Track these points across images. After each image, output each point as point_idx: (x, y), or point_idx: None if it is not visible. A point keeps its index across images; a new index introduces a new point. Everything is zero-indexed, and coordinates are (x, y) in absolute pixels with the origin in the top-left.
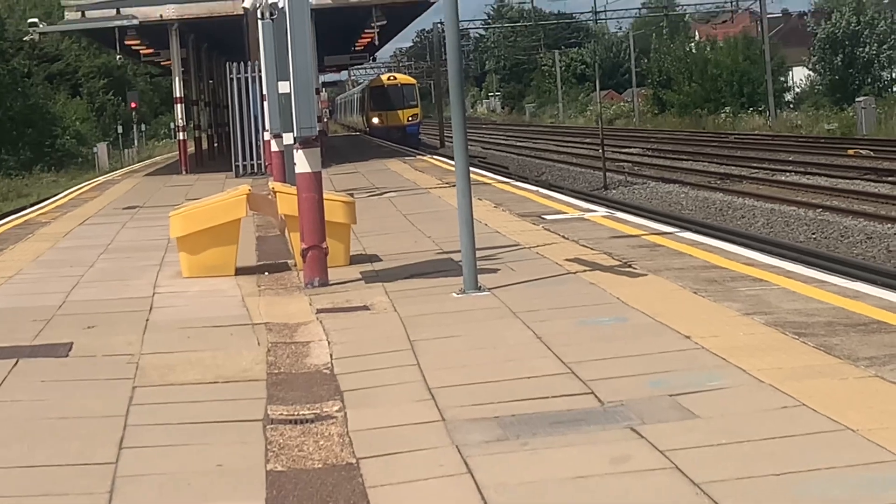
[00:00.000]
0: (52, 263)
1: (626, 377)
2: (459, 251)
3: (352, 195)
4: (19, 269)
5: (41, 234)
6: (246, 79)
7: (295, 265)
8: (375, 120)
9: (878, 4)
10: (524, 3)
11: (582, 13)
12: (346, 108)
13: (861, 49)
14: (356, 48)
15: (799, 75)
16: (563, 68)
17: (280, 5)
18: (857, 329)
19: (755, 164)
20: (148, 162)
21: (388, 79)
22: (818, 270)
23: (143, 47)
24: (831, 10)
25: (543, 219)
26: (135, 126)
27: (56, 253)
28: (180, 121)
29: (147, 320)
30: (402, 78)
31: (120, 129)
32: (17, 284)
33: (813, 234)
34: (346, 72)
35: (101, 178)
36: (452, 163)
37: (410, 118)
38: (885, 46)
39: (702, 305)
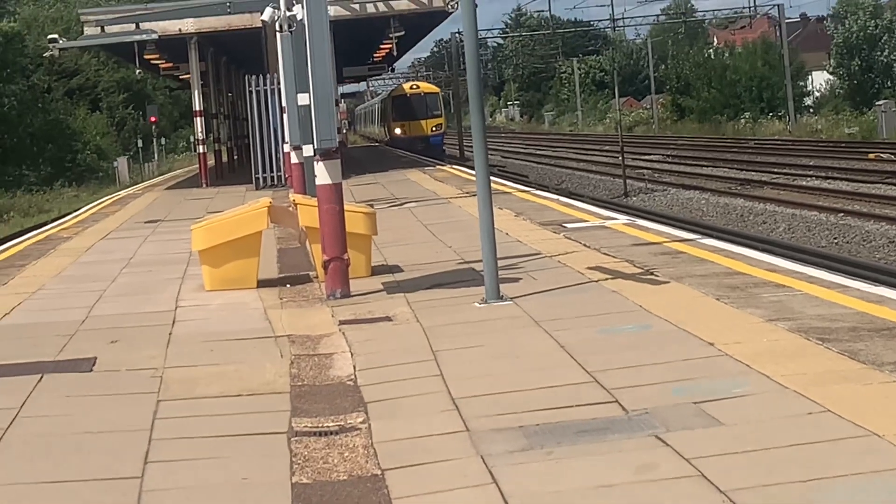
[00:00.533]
0: (75, 278)
1: (649, 385)
2: (481, 261)
3: (372, 206)
4: (42, 284)
5: (63, 250)
6: (265, 91)
7: (316, 277)
8: (398, 130)
9: None
10: (542, 11)
11: (600, 21)
12: (365, 119)
13: (879, 53)
14: (374, 59)
15: (818, 80)
16: (582, 76)
17: (299, 18)
18: (881, 334)
19: (776, 170)
20: (168, 175)
21: (411, 87)
22: (841, 275)
23: (163, 61)
24: (848, 14)
25: (564, 227)
26: (154, 140)
27: (78, 268)
28: (200, 134)
29: (170, 334)
30: (425, 86)
31: (140, 143)
32: (40, 300)
33: (835, 238)
34: (364, 83)
35: (122, 193)
36: (472, 172)
37: (434, 128)
38: None
39: (725, 312)
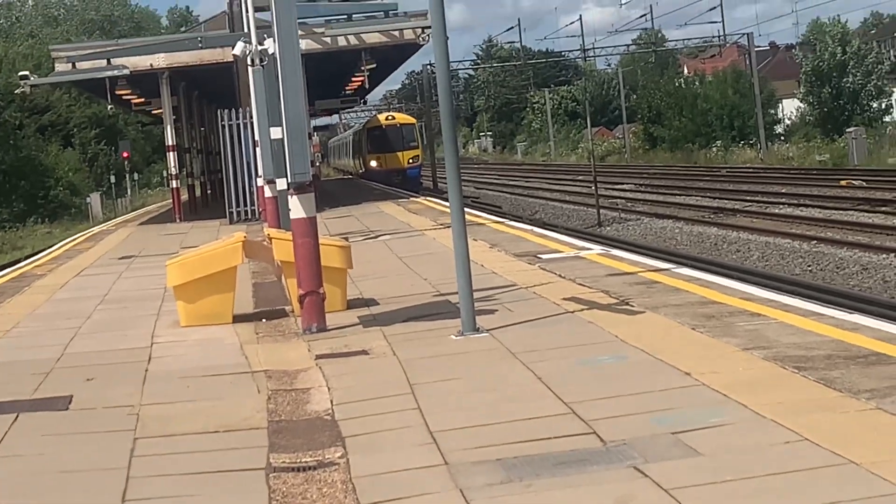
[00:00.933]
0: (49, 316)
1: (627, 416)
2: (456, 293)
3: (347, 239)
4: (16, 322)
5: (37, 287)
6: (238, 125)
7: (292, 311)
8: (374, 163)
9: (864, 35)
10: (513, 42)
11: (571, 51)
12: (339, 152)
13: (847, 80)
14: (347, 92)
15: (789, 107)
16: (554, 106)
17: (270, 52)
18: (856, 362)
19: (748, 198)
20: (141, 211)
21: (387, 119)
22: (815, 303)
23: (134, 96)
24: (817, 42)
25: (539, 258)
26: (127, 175)
27: (53, 305)
28: (173, 169)
29: (146, 371)
30: (401, 117)
31: (113, 179)
32: (14, 338)
33: (808, 266)
34: (336, 115)
35: (96, 229)
36: (446, 204)
37: (411, 160)
38: (872, 77)
39: (701, 342)
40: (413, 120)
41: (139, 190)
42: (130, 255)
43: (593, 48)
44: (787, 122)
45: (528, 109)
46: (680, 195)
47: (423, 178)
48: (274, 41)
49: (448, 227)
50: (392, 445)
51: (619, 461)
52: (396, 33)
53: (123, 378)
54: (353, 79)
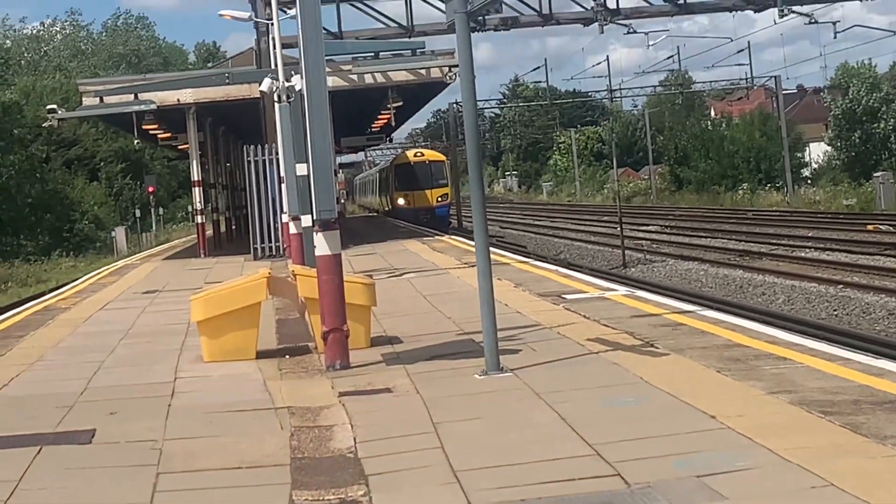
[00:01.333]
0: (73, 349)
1: (652, 458)
2: (480, 332)
3: (371, 277)
4: (40, 355)
5: (61, 320)
6: (263, 161)
7: (316, 348)
8: (401, 201)
9: (892, 79)
10: (539, 82)
11: (597, 92)
12: (365, 189)
13: (878, 125)
14: (373, 129)
15: (816, 151)
16: (580, 147)
17: (297, 88)
18: (883, 407)
19: (774, 241)
20: (166, 245)
21: (415, 155)
22: (841, 348)
23: (161, 131)
24: (847, 85)
25: (564, 298)
26: (152, 210)
27: (77, 338)
28: (198, 204)
29: (169, 405)
30: (430, 154)
31: (138, 213)
32: (38, 371)
33: (835, 310)
34: (362, 153)
35: (120, 263)
36: (471, 242)
37: (440, 199)
38: None
39: (726, 384)
40: (442, 157)
41: (164, 224)
42: (154, 289)
43: (620, 89)
44: (815, 165)
45: (554, 149)
46: (706, 237)
47: (451, 217)
48: (301, 78)
49: (473, 265)
50: (415, 484)
51: None
52: (423, 72)
53: (146, 412)
54: (380, 116)
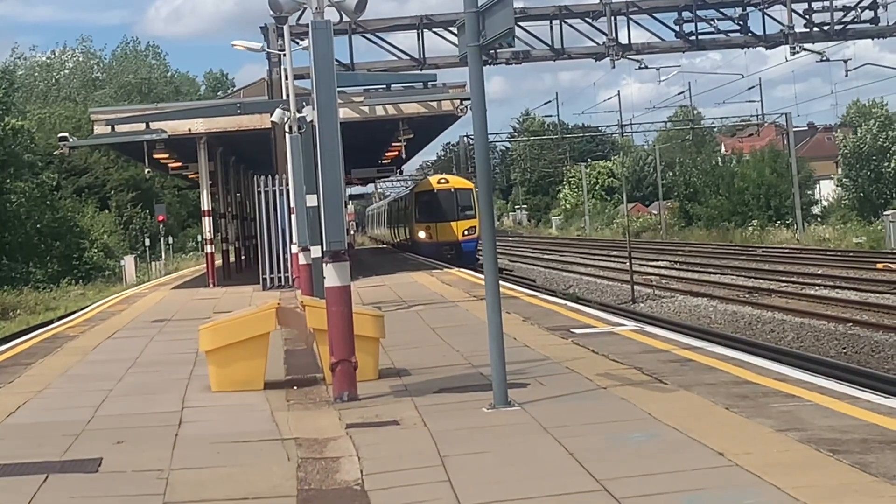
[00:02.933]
0: (81, 377)
1: (660, 494)
2: (489, 365)
3: (380, 308)
4: (48, 383)
5: (69, 348)
6: (273, 192)
7: (324, 379)
8: (422, 234)
9: None
10: (550, 116)
11: (608, 126)
12: (379, 220)
13: (888, 164)
14: (383, 161)
15: (826, 188)
16: (591, 182)
17: (309, 119)
18: (892, 446)
19: (784, 278)
20: (175, 275)
21: (439, 182)
22: (851, 386)
23: (172, 160)
24: (857, 124)
25: (572, 332)
26: (162, 239)
27: (85, 367)
28: (208, 234)
29: (176, 435)
30: (456, 181)
31: (147, 242)
32: (46, 399)
33: (844, 348)
34: (372, 184)
35: (129, 291)
36: (480, 276)
37: (467, 231)
38: None
39: (734, 421)
40: (470, 184)
41: (173, 254)
42: (163, 318)
43: (631, 123)
44: (825, 203)
45: (563, 183)
46: (715, 273)
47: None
48: (313, 109)
49: (482, 299)
50: None
51: None
52: (435, 104)
53: (154, 442)
54: (390, 148)
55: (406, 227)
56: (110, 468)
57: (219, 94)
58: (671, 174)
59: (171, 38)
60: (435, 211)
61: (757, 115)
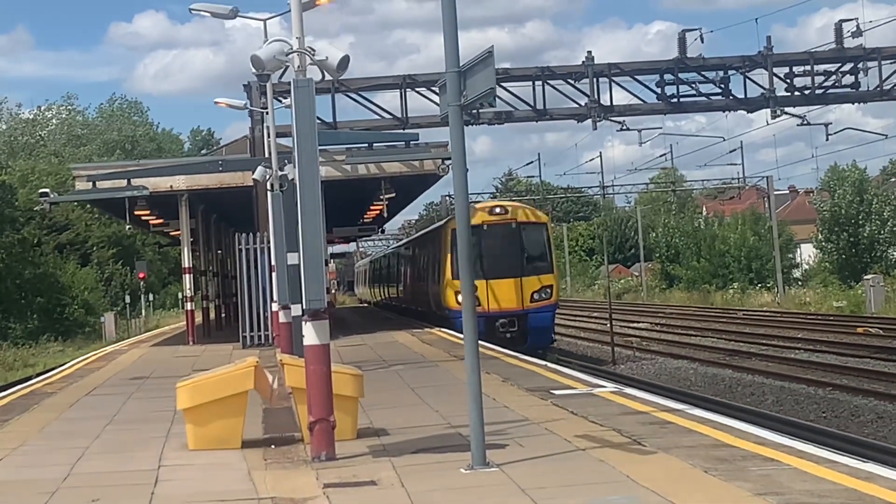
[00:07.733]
0: (58, 434)
1: None
2: (467, 425)
3: (359, 368)
4: (24, 440)
5: (47, 405)
6: (254, 250)
7: (302, 438)
8: (460, 298)
9: (884, 182)
10: (532, 176)
11: (590, 187)
12: (378, 276)
13: (865, 228)
14: (365, 220)
15: (807, 252)
16: (571, 243)
17: (290, 178)
18: None
19: (764, 341)
20: (155, 332)
21: (491, 213)
22: (830, 450)
23: (153, 217)
24: (835, 188)
25: (552, 394)
26: (143, 296)
27: (62, 424)
28: (188, 291)
29: (153, 493)
30: (519, 210)
31: (128, 299)
32: (21, 456)
33: (823, 412)
34: (354, 243)
35: (108, 348)
36: (460, 336)
37: (538, 295)
38: (889, 224)
39: (712, 485)
40: (543, 217)
41: (154, 311)
42: (142, 376)
43: (612, 185)
44: (806, 266)
45: None
46: (695, 336)
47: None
48: (294, 167)
49: (461, 359)
50: None
51: None
52: (417, 163)
53: (129, 500)
54: (372, 207)
55: (427, 285)
56: None
57: (202, 152)
58: (653, 235)
59: (158, 96)
60: (484, 260)
61: (738, 179)
